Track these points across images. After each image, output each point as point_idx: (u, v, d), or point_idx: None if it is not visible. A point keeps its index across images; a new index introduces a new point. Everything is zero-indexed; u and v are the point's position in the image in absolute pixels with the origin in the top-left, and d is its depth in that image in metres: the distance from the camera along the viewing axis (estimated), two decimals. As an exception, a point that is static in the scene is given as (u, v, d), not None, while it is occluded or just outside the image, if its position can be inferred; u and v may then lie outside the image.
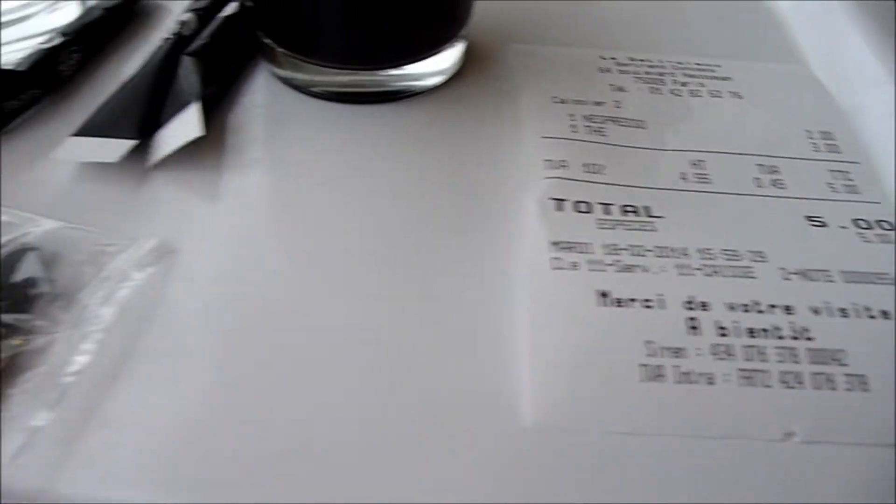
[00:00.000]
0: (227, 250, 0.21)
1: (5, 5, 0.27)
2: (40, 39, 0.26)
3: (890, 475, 0.16)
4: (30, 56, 0.25)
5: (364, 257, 0.21)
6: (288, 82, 0.26)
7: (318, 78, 0.25)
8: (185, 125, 0.22)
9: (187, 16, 0.27)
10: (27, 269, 0.19)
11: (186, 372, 0.18)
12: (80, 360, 0.18)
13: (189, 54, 0.25)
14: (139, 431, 0.17)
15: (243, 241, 0.21)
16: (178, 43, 0.26)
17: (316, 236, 0.21)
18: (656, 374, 0.17)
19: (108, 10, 0.28)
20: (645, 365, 0.18)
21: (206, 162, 0.23)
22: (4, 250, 0.20)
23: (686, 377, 0.17)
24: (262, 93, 0.26)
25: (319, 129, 0.25)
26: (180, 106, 0.23)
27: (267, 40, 0.26)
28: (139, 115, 0.23)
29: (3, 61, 0.26)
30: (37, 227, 0.20)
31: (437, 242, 0.21)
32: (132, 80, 0.25)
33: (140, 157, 0.23)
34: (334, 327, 0.19)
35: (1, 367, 0.17)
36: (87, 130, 0.23)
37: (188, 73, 0.24)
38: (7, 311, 0.18)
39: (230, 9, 0.27)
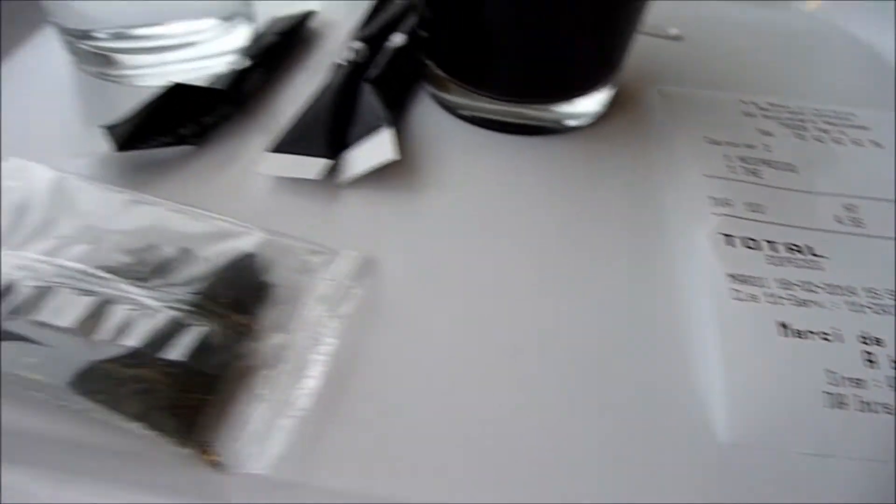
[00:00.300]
0: (418, 262, 0.23)
1: (182, 27, 0.29)
2: (225, 60, 0.28)
3: None
4: (224, 75, 0.27)
5: (542, 276, 0.22)
6: (447, 105, 0.28)
7: (479, 104, 0.27)
8: (378, 148, 0.24)
9: (358, 44, 0.29)
10: (252, 274, 0.21)
11: (412, 374, 0.20)
12: (319, 361, 0.19)
13: (370, 81, 0.27)
14: (378, 429, 0.18)
15: (430, 255, 0.23)
16: (355, 70, 0.28)
17: (496, 256, 0.23)
18: (839, 402, 0.19)
19: (281, 35, 0.30)
20: (828, 393, 0.19)
21: (386, 181, 0.25)
22: (228, 256, 0.21)
23: (867, 406, 0.19)
24: (424, 116, 0.28)
25: (482, 154, 0.27)
26: (369, 129, 0.25)
27: (429, 62, 0.28)
28: (328, 136, 0.25)
29: (183, 79, 0.28)
30: (250, 236, 0.22)
31: (610, 268, 0.23)
32: (315, 102, 0.27)
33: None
34: (527, 345, 0.21)
35: (245, 364, 0.19)
36: (282, 147, 0.25)
37: (371, 99, 0.26)
38: (242, 313, 0.20)
39: (398, 39, 0.29)
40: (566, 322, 0.21)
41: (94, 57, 0.29)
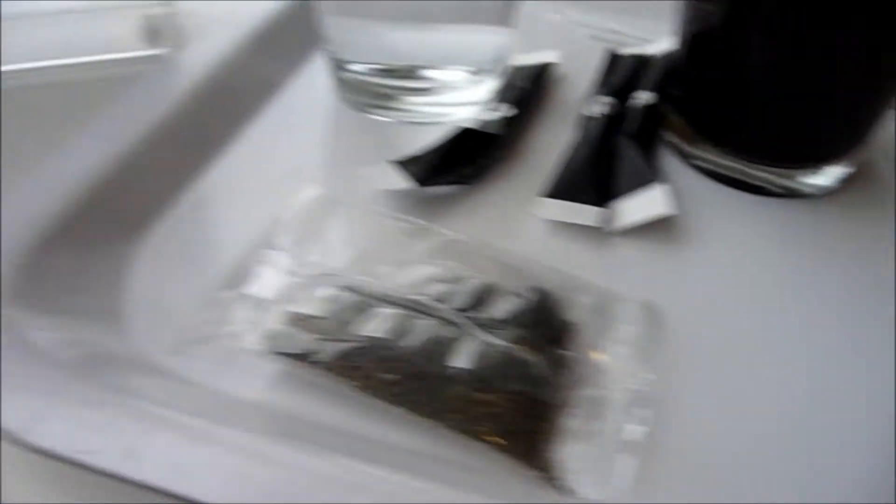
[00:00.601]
0: (691, 309, 0.24)
1: (445, 74, 0.31)
2: (474, 108, 0.30)
3: None
4: (493, 121, 0.29)
5: (802, 334, 0.24)
6: (686, 155, 0.30)
7: (721, 161, 0.29)
8: (653, 202, 0.26)
9: (607, 99, 0.31)
10: (554, 311, 0.23)
11: (711, 410, 0.21)
12: (632, 397, 0.21)
13: (629, 136, 0.29)
14: (692, 462, 0.20)
15: (700, 302, 0.24)
16: (608, 123, 0.30)
17: (758, 311, 0.24)
18: None
19: (530, 83, 0.32)
20: None
21: (644, 228, 0.26)
22: (529, 292, 0.23)
23: None
24: (663, 164, 0.30)
25: (725, 208, 0.28)
26: (639, 183, 0.27)
27: (677, 117, 0.30)
28: (596, 186, 0.27)
29: (437, 121, 0.30)
30: (542, 273, 0.24)
31: (872, 335, 0.24)
32: (576, 152, 0.29)
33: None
34: (803, 399, 0.22)
35: (568, 396, 0.21)
36: (556, 193, 0.27)
37: (632, 153, 0.28)
38: (558, 347, 0.22)
39: (646, 96, 0.31)
40: (836, 385, 0.22)
41: (358, 89, 0.31)
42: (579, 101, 0.32)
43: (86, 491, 0.19)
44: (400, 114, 0.31)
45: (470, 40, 0.30)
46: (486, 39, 0.30)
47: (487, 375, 0.20)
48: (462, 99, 0.31)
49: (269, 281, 0.23)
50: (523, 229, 0.27)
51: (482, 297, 0.23)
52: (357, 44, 0.31)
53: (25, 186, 0.25)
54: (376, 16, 0.29)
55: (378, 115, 0.31)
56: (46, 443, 0.18)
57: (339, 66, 0.31)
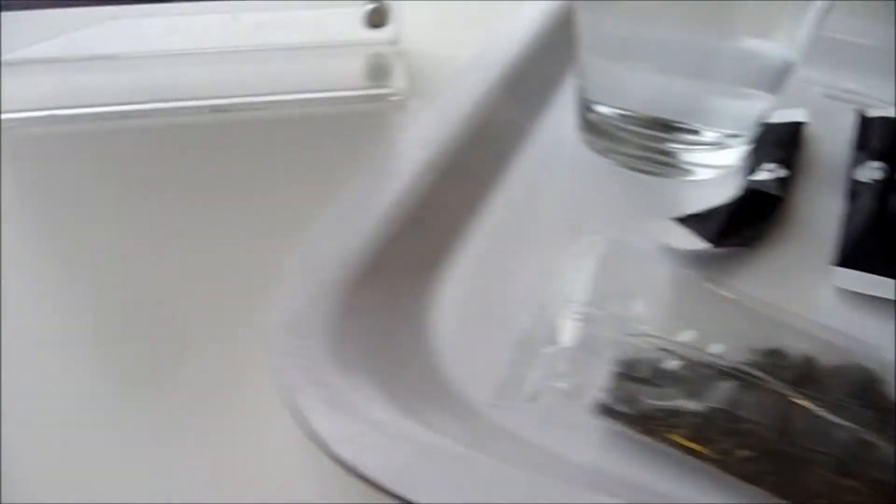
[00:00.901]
0: None
1: (698, 133, 0.30)
2: (760, 167, 0.30)
3: None
4: (772, 182, 0.28)
5: None
6: None
7: None
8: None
9: (878, 164, 0.30)
10: (882, 389, 0.22)
11: None
12: None
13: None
14: None
15: None
16: (884, 190, 0.29)
17: None
18: None
19: (790, 143, 0.31)
20: None
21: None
22: (851, 369, 0.22)
23: None
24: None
25: None
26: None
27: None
28: (889, 256, 0.26)
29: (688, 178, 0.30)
30: (862, 350, 0.23)
31: None
32: (857, 218, 0.28)
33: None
34: None
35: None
36: (848, 263, 0.26)
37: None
38: (898, 431, 0.21)
39: (917, 163, 0.30)
40: None
41: (603, 132, 0.31)
42: (840, 163, 0.31)
43: None
44: (643, 163, 0.31)
45: (733, 103, 0.30)
46: (750, 105, 0.30)
47: (846, 459, 0.19)
48: (711, 160, 0.30)
49: (580, 335, 0.23)
50: (813, 297, 0.26)
51: (807, 372, 0.22)
52: (611, 87, 0.31)
53: (319, 232, 0.25)
54: (640, 64, 0.29)
55: (618, 160, 0.31)
56: (421, 497, 0.18)
57: (586, 106, 0.31)
